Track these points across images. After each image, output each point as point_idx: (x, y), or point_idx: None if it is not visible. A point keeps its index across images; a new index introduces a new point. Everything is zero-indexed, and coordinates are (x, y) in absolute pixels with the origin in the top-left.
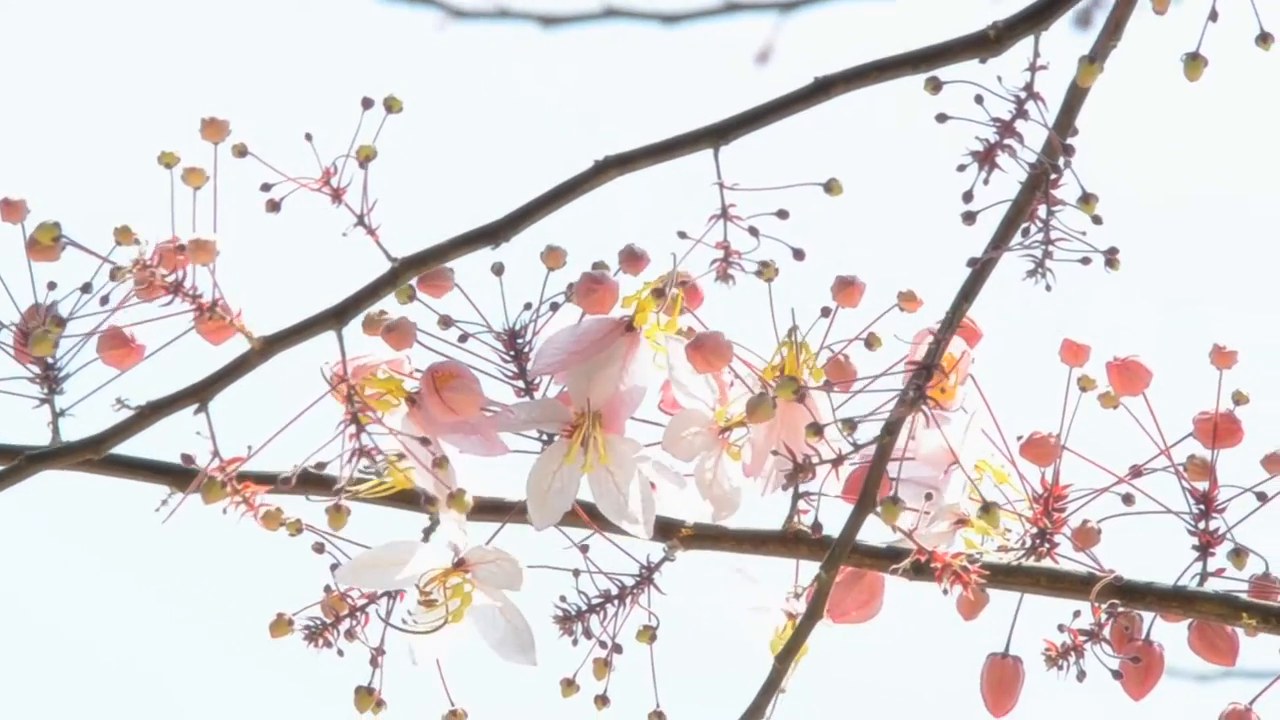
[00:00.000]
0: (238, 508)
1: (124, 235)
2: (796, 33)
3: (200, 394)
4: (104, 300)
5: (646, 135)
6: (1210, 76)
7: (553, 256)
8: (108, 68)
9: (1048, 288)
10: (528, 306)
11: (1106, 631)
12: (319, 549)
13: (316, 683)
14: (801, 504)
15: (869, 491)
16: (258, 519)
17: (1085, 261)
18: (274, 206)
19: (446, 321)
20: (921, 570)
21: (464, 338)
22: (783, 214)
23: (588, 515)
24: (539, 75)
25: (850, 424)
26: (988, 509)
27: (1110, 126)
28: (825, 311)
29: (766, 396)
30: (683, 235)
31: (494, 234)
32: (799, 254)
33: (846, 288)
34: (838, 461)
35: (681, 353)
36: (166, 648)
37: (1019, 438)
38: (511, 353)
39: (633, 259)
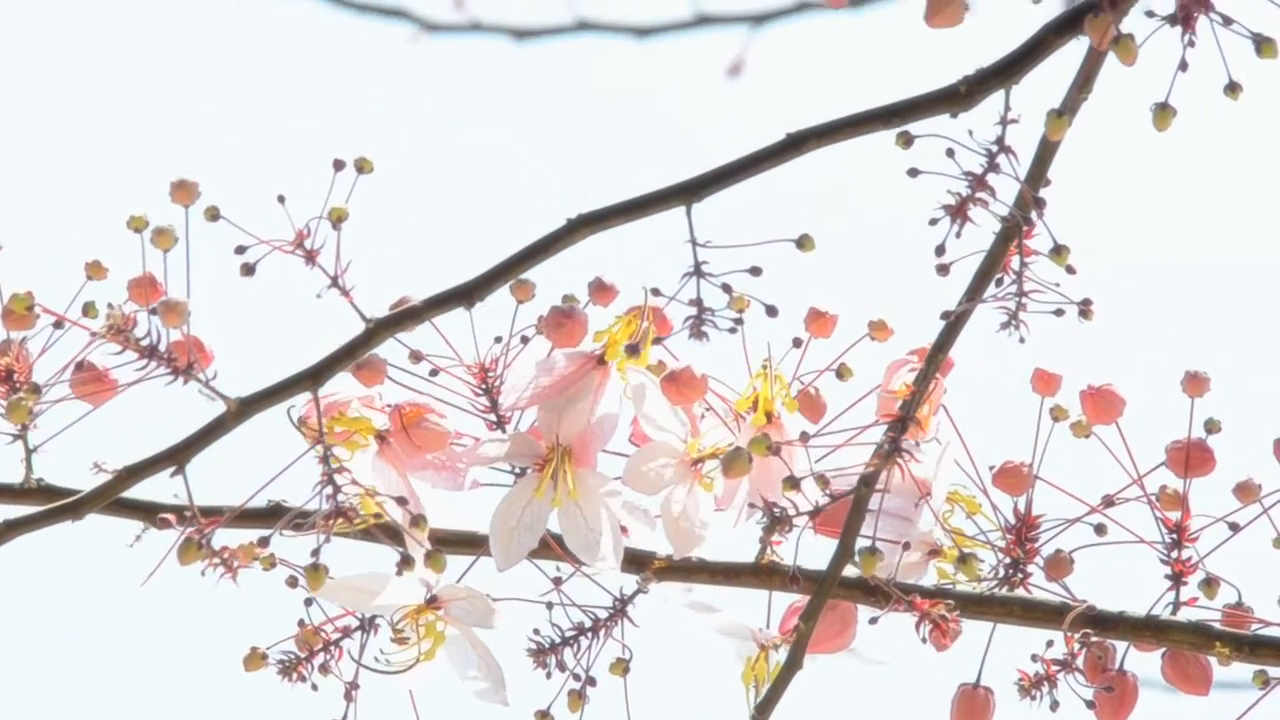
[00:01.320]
0: (216, 569)
1: (95, 270)
2: (768, 46)
3: (177, 457)
4: (79, 367)
5: (619, 151)
6: (1180, 126)
7: (521, 289)
8: (71, 121)
9: (1021, 340)
10: (498, 340)
11: (1080, 661)
12: (293, 583)
13: (290, 718)
14: (775, 535)
15: (847, 542)
16: (236, 581)
17: (1059, 313)
18: (248, 270)
19: (417, 356)
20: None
21: (435, 372)
22: (755, 271)
23: (561, 548)
24: (512, 89)
25: (824, 480)
26: (965, 560)
27: (1085, 176)
28: (797, 342)
29: (742, 452)
30: (656, 293)
31: (468, 294)
32: (772, 311)
33: (819, 318)
34: (814, 514)
35: (648, 387)
36: (138, 681)
37: (991, 467)
38: (483, 386)
39: (602, 290)
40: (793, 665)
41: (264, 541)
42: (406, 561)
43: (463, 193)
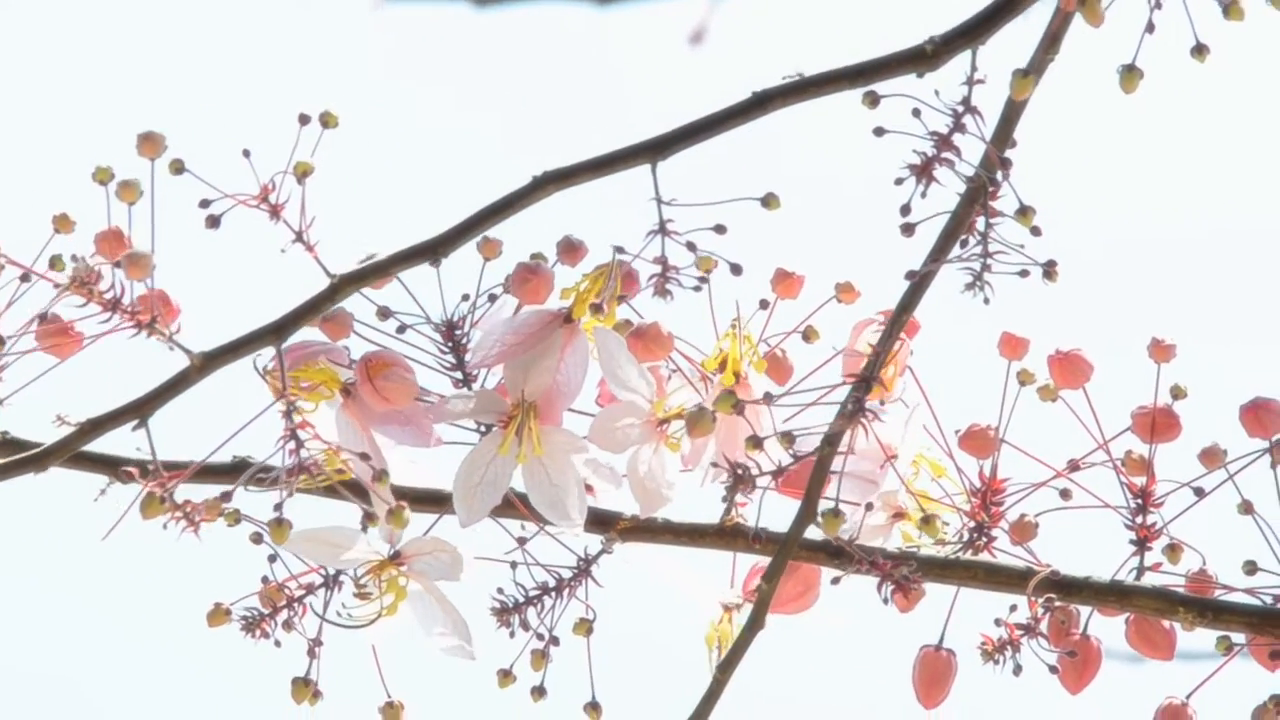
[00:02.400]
0: (178, 523)
1: (62, 223)
2: (730, 14)
3: (140, 410)
4: (43, 318)
5: (580, 119)
6: (1147, 87)
7: (488, 247)
8: (40, 78)
9: (986, 300)
10: (465, 298)
11: (1043, 625)
12: (257, 539)
13: (252, 673)
14: (739, 497)
15: (810, 502)
16: (198, 534)
17: (1024, 274)
18: (213, 222)
19: (384, 313)
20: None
21: (402, 329)
22: (720, 229)
23: (525, 507)
24: (472, 55)
25: (789, 437)
26: (928, 520)
27: (1051, 137)
28: (764, 304)
29: (706, 411)
30: (620, 250)
31: (433, 250)
32: (737, 269)
33: (785, 279)
34: (777, 474)
35: (616, 345)
36: (100, 637)
37: (957, 430)
38: (449, 344)
39: (570, 250)
40: (754, 625)
41: (226, 496)
42: (369, 518)
43: (425, 158)
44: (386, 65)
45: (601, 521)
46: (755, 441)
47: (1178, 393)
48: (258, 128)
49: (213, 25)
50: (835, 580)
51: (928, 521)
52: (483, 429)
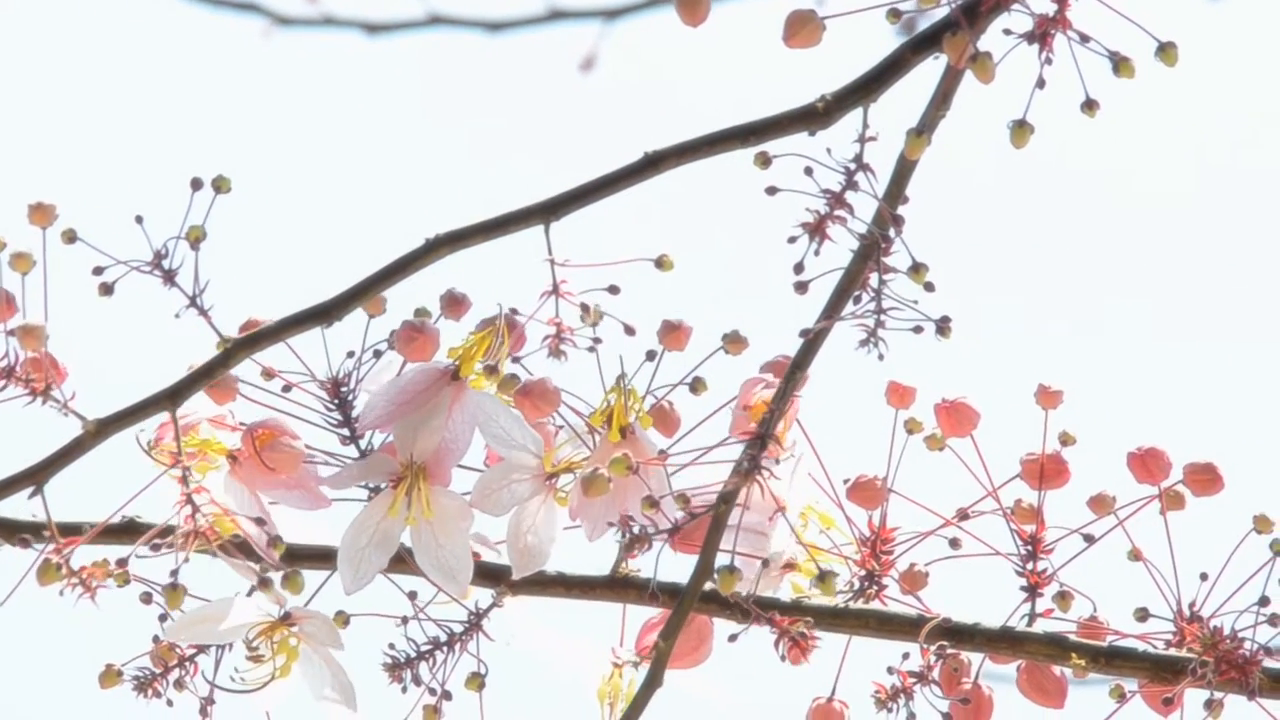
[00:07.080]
0: (74, 590)
1: None
2: (620, 40)
3: (35, 477)
4: None
5: (471, 147)
6: (1038, 141)
7: (373, 304)
8: None
9: (880, 357)
10: (350, 354)
11: (935, 673)
12: (147, 599)
13: None
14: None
15: (706, 559)
16: (95, 601)
17: (918, 330)
18: (106, 290)
19: (270, 373)
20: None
21: (287, 388)
22: (614, 290)
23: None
24: (364, 83)
25: (685, 498)
26: (824, 578)
27: (943, 192)
28: (651, 355)
29: (600, 473)
30: (514, 313)
31: (325, 314)
32: (630, 330)
33: (673, 331)
34: (673, 532)
35: (493, 406)
36: None
37: (845, 481)
38: (335, 401)
39: (454, 304)
40: (652, 683)
41: (123, 563)
42: (265, 584)
43: (314, 186)
44: (277, 93)
45: (492, 575)
46: (652, 502)
47: (1066, 439)
48: (146, 161)
49: (98, 62)
50: (732, 638)
51: (824, 579)
52: (372, 488)
